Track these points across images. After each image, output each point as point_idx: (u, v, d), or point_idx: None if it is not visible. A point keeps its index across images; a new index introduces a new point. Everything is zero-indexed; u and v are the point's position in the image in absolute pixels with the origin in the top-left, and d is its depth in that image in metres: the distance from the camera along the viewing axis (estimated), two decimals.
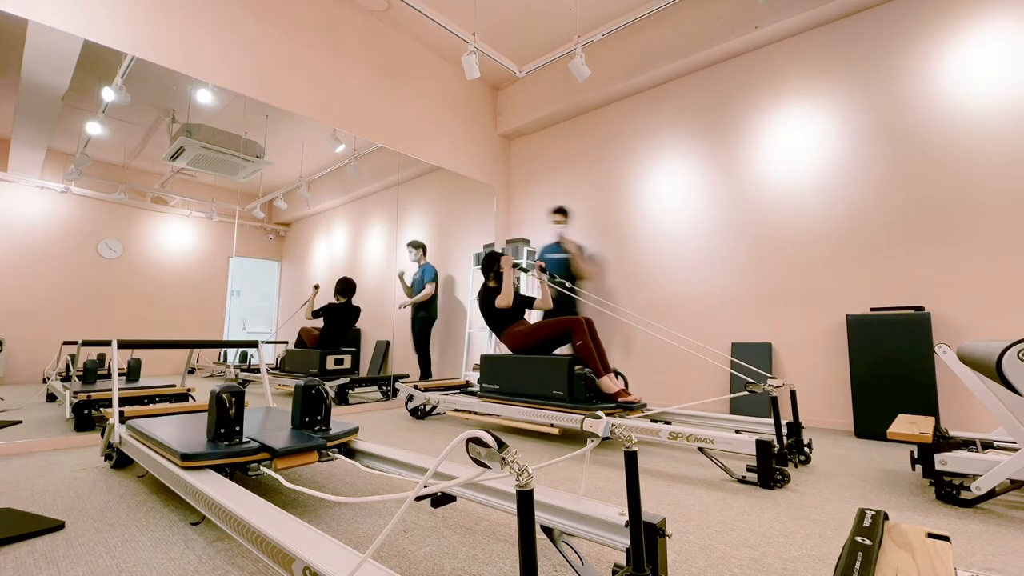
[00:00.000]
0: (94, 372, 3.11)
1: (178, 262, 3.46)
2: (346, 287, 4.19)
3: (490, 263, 3.28)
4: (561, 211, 4.32)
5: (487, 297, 3.22)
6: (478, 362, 4.90)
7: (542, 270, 3.30)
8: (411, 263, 4.71)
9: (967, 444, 1.91)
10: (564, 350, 3.11)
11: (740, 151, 3.91)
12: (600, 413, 1.23)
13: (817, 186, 3.50)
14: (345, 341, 4.17)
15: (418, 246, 4.70)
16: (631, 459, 0.96)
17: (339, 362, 3.95)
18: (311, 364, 3.87)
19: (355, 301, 4.26)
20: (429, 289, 4.60)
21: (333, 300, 4.17)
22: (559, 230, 4.34)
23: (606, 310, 3.13)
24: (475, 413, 3.18)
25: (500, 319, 3.18)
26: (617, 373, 2.94)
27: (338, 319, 4.12)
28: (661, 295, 4.27)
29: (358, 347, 4.55)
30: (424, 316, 4.64)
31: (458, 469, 1.47)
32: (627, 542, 1.03)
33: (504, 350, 4.83)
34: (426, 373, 4.62)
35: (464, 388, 3.67)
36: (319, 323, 4.15)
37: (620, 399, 2.70)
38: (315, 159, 4.20)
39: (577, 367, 2.71)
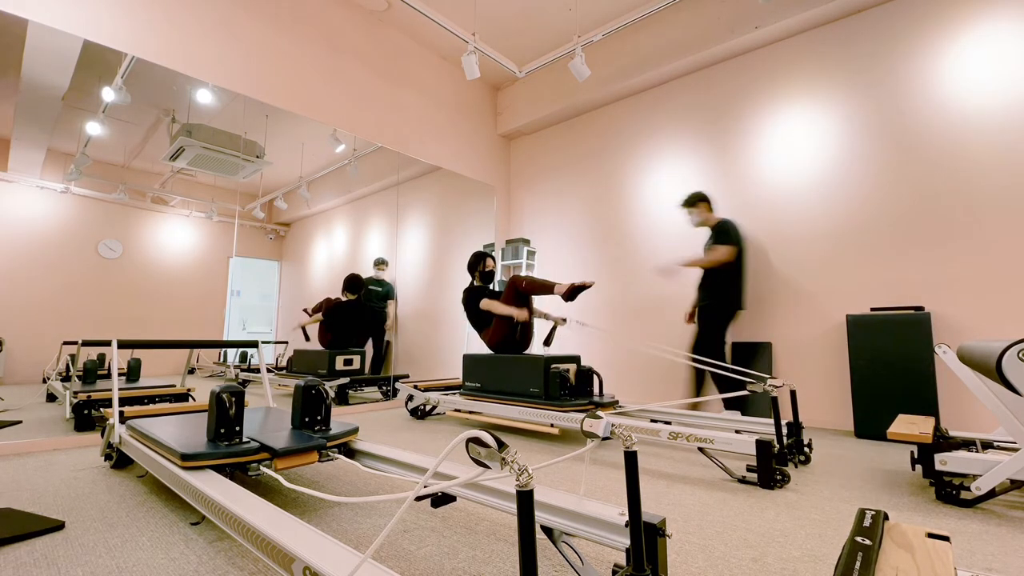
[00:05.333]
0: (94, 372, 3.10)
1: (178, 262, 3.46)
2: (354, 284, 4.18)
3: (475, 262, 3.45)
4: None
5: (471, 296, 3.35)
6: None
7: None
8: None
9: (967, 444, 1.91)
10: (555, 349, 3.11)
11: (740, 151, 3.91)
12: (600, 413, 1.23)
13: (817, 186, 3.50)
14: (354, 340, 4.17)
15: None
16: (631, 459, 0.96)
17: (348, 363, 3.96)
18: (320, 365, 3.89)
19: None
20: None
21: (340, 297, 4.16)
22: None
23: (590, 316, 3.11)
24: (470, 412, 3.22)
25: (481, 319, 3.33)
26: (594, 372, 3.00)
27: (347, 317, 4.12)
28: (661, 294, 4.27)
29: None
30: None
31: (458, 469, 1.47)
32: (627, 542, 1.03)
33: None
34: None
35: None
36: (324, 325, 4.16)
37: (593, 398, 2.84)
38: (315, 159, 4.20)
39: (553, 366, 2.81)
